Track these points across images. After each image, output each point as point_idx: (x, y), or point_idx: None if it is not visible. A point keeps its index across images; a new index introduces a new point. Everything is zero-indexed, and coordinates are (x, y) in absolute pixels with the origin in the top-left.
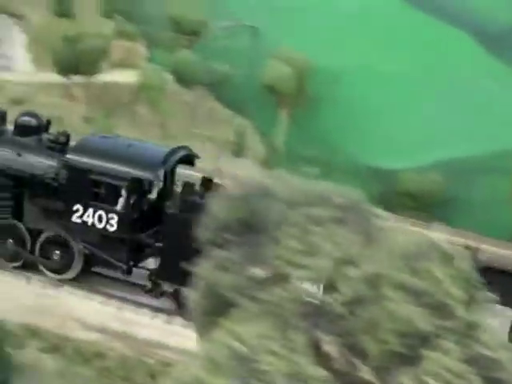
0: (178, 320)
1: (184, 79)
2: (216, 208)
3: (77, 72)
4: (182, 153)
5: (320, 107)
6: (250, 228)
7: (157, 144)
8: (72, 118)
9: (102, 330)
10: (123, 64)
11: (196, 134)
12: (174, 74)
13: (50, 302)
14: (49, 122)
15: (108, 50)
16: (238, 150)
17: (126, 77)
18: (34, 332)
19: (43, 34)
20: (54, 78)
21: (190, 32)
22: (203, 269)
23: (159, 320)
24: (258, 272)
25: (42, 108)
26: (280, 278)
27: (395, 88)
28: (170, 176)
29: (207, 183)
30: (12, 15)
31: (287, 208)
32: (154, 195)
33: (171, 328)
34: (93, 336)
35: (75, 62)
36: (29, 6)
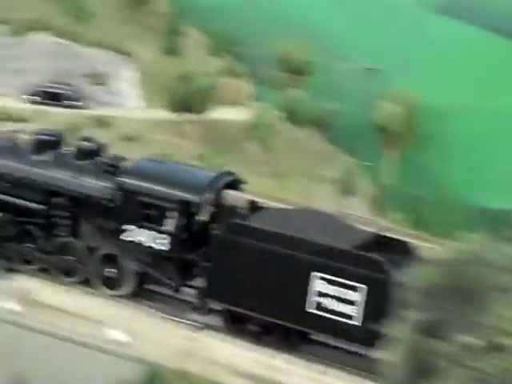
0: (333, 371)
1: (294, 117)
2: (424, 272)
3: (188, 110)
4: (227, 178)
5: (429, 146)
6: (459, 294)
7: (205, 169)
8: (183, 155)
9: (252, 377)
10: (232, 102)
11: (306, 172)
12: (284, 113)
13: (196, 345)
14: (103, 147)
15: (217, 88)
16: (347, 189)
17: (235, 114)
18: (182, 375)
19: (153, 72)
20: (165, 115)
21: (297, 71)
22: (403, 332)
23: (314, 371)
24: (470, 340)
25: (154, 145)
26: (494, 347)
27: (506, 125)
28: (219, 199)
29: (253, 206)
30: (120, 52)
31: (500, 274)
32: (204, 217)
33: (327, 379)
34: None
35: (187, 99)
36: (137, 43)
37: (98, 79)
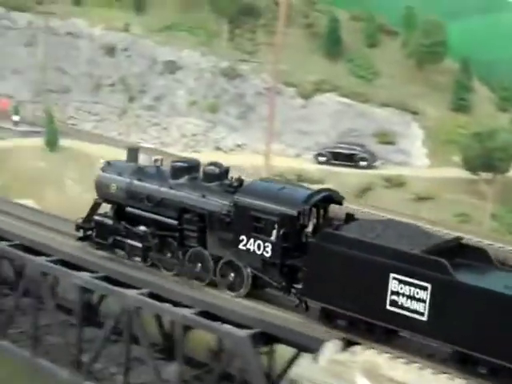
0: None
1: None
2: None
3: (488, 168)
4: (323, 194)
5: None
6: None
7: (307, 187)
8: (478, 214)
9: None
10: None
11: None
12: None
13: None
14: (227, 171)
15: None
16: None
17: None
18: None
19: (441, 129)
20: (455, 173)
21: None
22: None
23: None
24: None
25: (448, 204)
26: None
27: None
28: (321, 213)
29: (349, 218)
30: (407, 111)
31: None
32: (309, 229)
33: None
34: None
35: (486, 157)
36: (423, 101)
37: (386, 138)
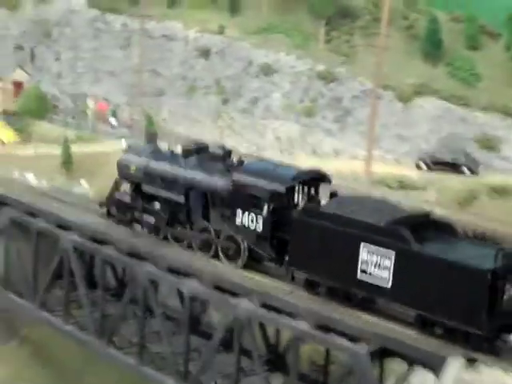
0: None
1: None
2: None
3: None
4: (313, 173)
5: None
6: None
7: (298, 168)
8: None
9: None
10: None
11: None
12: None
13: None
14: (230, 153)
15: None
16: None
17: None
18: None
19: None
20: None
21: None
22: None
23: None
24: None
25: None
26: None
27: None
28: (312, 191)
29: (332, 195)
30: (510, 115)
31: None
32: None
33: None
34: None
35: None
36: None
37: (489, 144)
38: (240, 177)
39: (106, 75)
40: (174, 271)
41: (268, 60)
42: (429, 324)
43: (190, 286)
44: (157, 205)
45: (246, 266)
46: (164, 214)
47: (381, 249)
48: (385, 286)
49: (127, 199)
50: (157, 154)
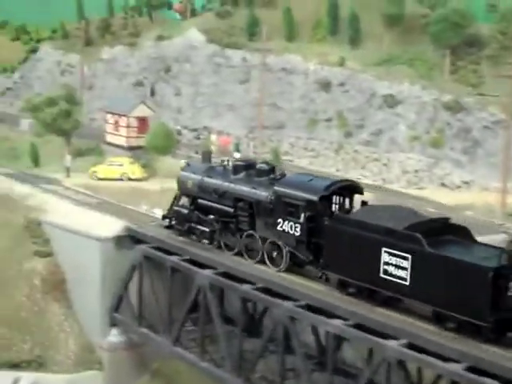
0: None
1: None
2: None
3: None
4: (343, 183)
5: None
6: None
7: (331, 178)
8: None
9: None
10: None
11: None
12: None
13: None
14: (274, 168)
15: None
16: None
17: None
18: None
19: None
20: None
21: None
22: None
23: None
24: None
25: None
26: None
27: None
28: (346, 200)
29: (363, 204)
30: None
31: None
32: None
33: None
34: None
35: None
36: None
37: None
38: (280, 188)
39: (226, 109)
40: (311, 308)
41: (391, 91)
42: (443, 319)
43: (333, 325)
44: (210, 216)
45: (288, 270)
46: (216, 223)
47: (399, 251)
48: (404, 284)
49: (185, 211)
50: (210, 171)
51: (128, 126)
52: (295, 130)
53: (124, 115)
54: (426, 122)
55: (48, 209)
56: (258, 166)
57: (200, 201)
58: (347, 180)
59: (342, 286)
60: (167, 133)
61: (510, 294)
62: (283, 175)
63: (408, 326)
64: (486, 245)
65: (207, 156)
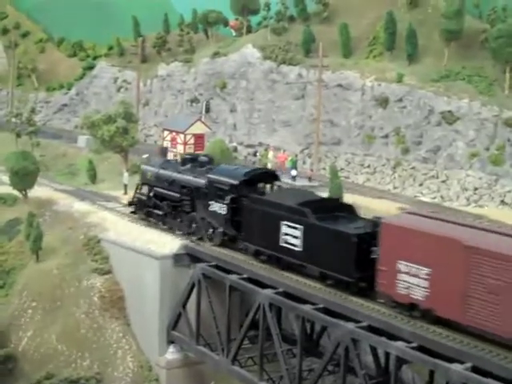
0: None
1: None
2: None
3: None
4: (260, 170)
5: None
6: None
7: (254, 167)
8: None
9: None
10: None
11: None
12: None
13: None
14: (212, 159)
15: None
16: None
17: None
18: None
19: None
20: None
21: None
22: None
23: None
24: None
25: None
26: None
27: None
28: (266, 186)
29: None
30: None
31: None
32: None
33: None
34: None
35: None
36: None
37: None
38: (212, 175)
39: (281, 125)
40: (373, 329)
41: (450, 107)
42: (325, 277)
43: (396, 347)
44: (164, 202)
45: (222, 245)
46: (167, 208)
47: (293, 223)
48: (297, 250)
49: (144, 198)
50: (165, 164)
51: (185, 143)
52: (351, 147)
53: (181, 132)
54: (486, 138)
55: (107, 226)
56: (200, 158)
57: (156, 189)
58: (265, 168)
59: (257, 255)
60: (224, 150)
61: (372, 256)
62: (218, 165)
63: (473, 350)
64: (363, 218)
65: (164, 151)
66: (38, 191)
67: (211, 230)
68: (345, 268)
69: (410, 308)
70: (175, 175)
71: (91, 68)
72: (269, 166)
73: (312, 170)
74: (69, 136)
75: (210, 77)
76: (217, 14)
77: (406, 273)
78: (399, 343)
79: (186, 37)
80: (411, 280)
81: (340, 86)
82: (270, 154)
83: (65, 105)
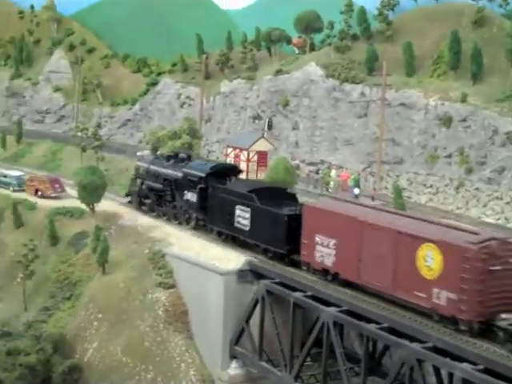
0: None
1: None
2: None
3: None
4: (225, 165)
5: None
6: None
7: (221, 162)
8: None
9: None
10: None
11: None
12: None
13: None
14: (190, 156)
15: None
16: None
17: None
18: None
19: None
20: None
21: None
22: None
23: None
24: None
25: None
26: None
27: None
28: (233, 178)
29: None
30: None
31: None
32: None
33: None
34: None
35: None
36: None
37: None
38: (186, 169)
39: (343, 144)
40: (438, 350)
41: None
42: (266, 251)
43: (462, 368)
44: (152, 193)
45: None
46: (154, 197)
47: (244, 207)
48: (246, 230)
49: (137, 190)
50: (154, 160)
51: (248, 160)
52: (414, 166)
53: (245, 149)
54: None
55: (171, 241)
56: (180, 155)
57: (146, 182)
58: (230, 164)
59: (219, 235)
60: (287, 167)
61: (297, 232)
62: (190, 161)
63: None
64: (301, 204)
65: (154, 149)
66: (105, 205)
67: (187, 216)
68: (279, 242)
69: (324, 273)
70: (160, 170)
71: (155, 84)
72: (331, 184)
73: (375, 189)
74: (132, 151)
75: (273, 94)
76: (280, 31)
77: (321, 244)
78: (464, 365)
79: (249, 54)
80: (324, 250)
81: (403, 104)
82: (333, 173)
83: (128, 120)
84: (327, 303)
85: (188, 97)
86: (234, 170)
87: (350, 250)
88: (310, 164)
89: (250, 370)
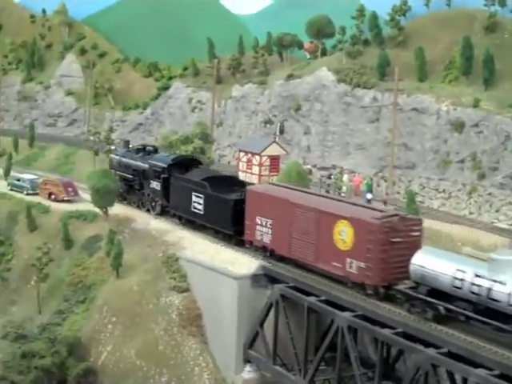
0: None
1: None
2: None
3: None
4: (185, 156)
5: None
6: None
7: (182, 154)
8: None
9: None
10: None
11: None
12: None
13: None
14: (156, 149)
15: None
16: None
17: None
18: None
19: None
20: None
21: None
22: None
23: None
24: None
25: None
26: None
27: None
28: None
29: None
30: None
31: None
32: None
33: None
34: None
35: None
36: None
37: None
38: (151, 161)
39: (355, 148)
40: (453, 355)
41: None
42: (217, 232)
43: (477, 374)
44: (123, 182)
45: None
46: (125, 186)
47: (198, 193)
48: (201, 214)
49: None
50: (126, 153)
51: (260, 165)
52: (426, 171)
53: (257, 154)
54: None
55: (184, 245)
56: (147, 148)
57: (118, 172)
58: (190, 155)
59: (180, 219)
60: (299, 172)
61: (243, 215)
62: (156, 153)
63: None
64: (240, 189)
65: (126, 143)
66: (117, 208)
67: (153, 203)
68: (227, 224)
69: (263, 250)
70: (130, 161)
71: (166, 88)
72: (344, 189)
73: (387, 194)
74: None
75: (284, 99)
76: (291, 36)
77: (260, 224)
78: (479, 370)
79: (260, 59)
80: (263, 229)
81: (415, 109)
82: (345, 177)
83: (140, 124)
84: (342, 308)
85: (199, 101)
86: (194, 161)
87: (282, 229)
88: (322, 169)
89: (264, 374)
